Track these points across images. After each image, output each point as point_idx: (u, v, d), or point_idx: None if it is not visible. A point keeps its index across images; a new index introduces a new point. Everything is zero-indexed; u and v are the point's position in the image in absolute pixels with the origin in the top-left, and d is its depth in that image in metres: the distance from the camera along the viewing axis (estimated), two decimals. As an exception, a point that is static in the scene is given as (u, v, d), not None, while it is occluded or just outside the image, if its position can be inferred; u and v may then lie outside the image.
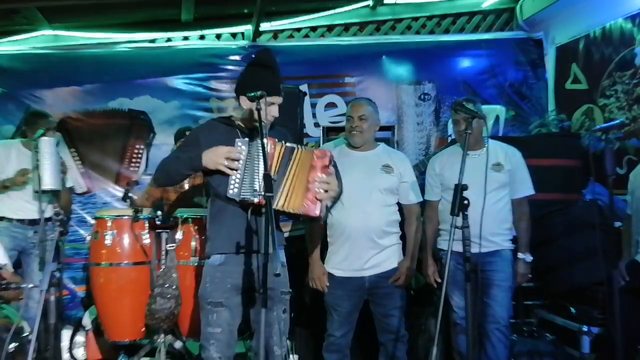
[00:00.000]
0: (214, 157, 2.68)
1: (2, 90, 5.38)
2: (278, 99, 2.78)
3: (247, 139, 2.72)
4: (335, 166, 2.83)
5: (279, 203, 2.65)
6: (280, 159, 2.69)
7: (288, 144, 2.72)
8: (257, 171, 2.64)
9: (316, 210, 2.68)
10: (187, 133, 4.56)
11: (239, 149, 2.68)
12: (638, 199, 3.58)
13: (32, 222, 4.30)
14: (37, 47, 5.58)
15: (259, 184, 2.61)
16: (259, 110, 2.53)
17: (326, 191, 2.72)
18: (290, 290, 2.89)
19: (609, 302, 3.46)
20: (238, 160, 2.67)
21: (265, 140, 2.59)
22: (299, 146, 2.76)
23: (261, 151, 2.58)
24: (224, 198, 2.71)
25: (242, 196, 2.66)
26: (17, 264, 4.39)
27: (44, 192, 3.59)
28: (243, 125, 2.84)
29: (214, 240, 2.81)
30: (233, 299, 2.76)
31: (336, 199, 2.85)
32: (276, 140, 2.71)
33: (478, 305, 3.14)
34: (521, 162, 3.61)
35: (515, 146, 3.70)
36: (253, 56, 2.97)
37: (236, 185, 2.66)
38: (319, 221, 2.92)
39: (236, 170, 2.67)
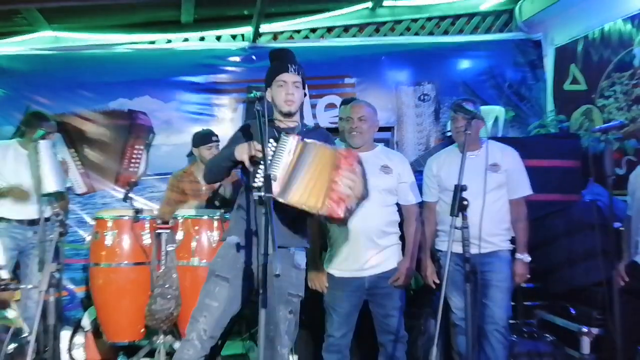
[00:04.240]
0: (240, 148, 2.73)
1: (2, 91, 5.38)
2: (290, 77, 2.79)
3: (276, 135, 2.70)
4: (362, 166, 2.74)
5: (293, 198, 2.61)
6: (298, 154, 2.66)
7: (307, 140, 2.68)
8: (276, 168, 2.63)
9: (339, 211, 2.60)
10: (197, 133, 4.59)
11: (268, 145, 2.66)
12: (638, 200, 3.57)
13: (32, 223, 4.29)
14: (37, 48, 5.57)
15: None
16: (259, 111, 2.55)
17: (350, 191, 2.62)
18: (301, 295, 2.88)
19: (608, 303, 3.46)
20: (260, 155, 2.63)
21: (271, 142, 2.63)
22: (319, 143, 2.71)
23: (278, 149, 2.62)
24: (251, 188, 2.69)
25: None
26: (16, 264, 4.39)
27: (48, 194, 3.59)
28: (277, 122, 2.88)
29: (232, 225, 2.88)
30: (239, 281, 2.77)
31: (362, 200, 2.73)
32: (299, 137, 2.69)
33: (477, 306, 3.14)
34: (518, 162, 3.60)
35: (515, 147, 3.69)
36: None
37: (262, 179, 2.64)
38: (343, 222, 2.80)
39: (255, 165, 2.66)
